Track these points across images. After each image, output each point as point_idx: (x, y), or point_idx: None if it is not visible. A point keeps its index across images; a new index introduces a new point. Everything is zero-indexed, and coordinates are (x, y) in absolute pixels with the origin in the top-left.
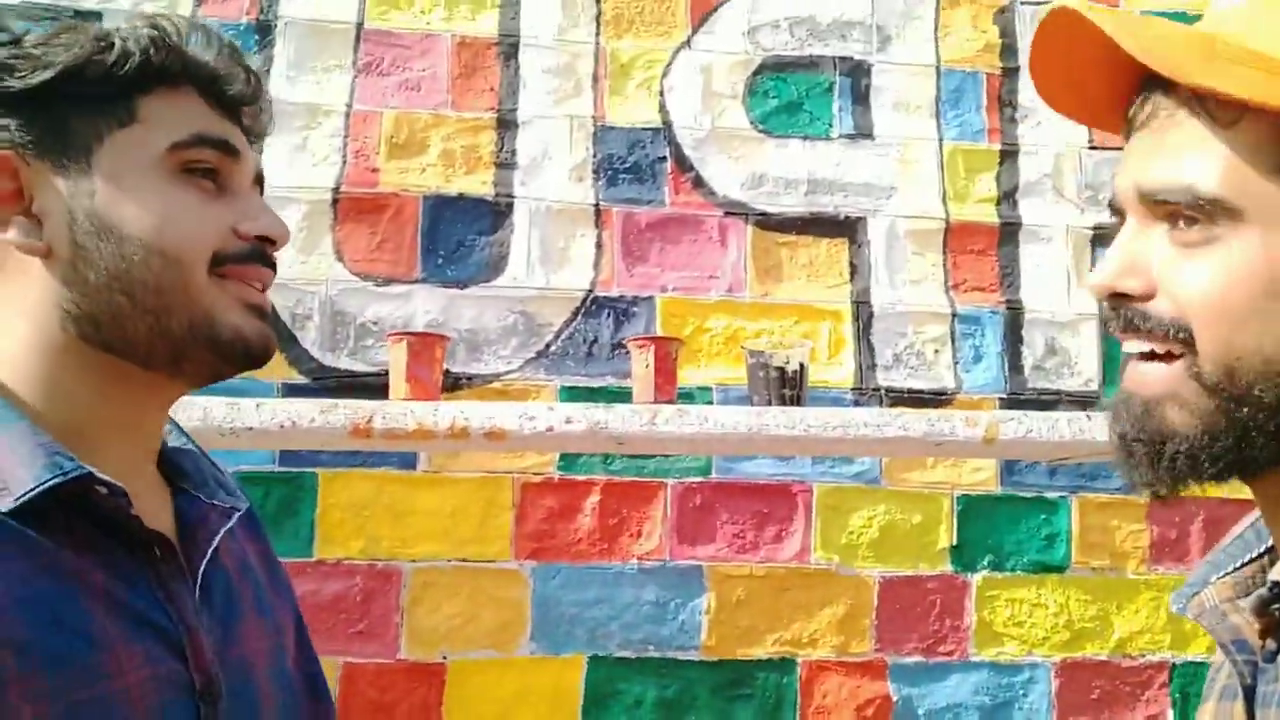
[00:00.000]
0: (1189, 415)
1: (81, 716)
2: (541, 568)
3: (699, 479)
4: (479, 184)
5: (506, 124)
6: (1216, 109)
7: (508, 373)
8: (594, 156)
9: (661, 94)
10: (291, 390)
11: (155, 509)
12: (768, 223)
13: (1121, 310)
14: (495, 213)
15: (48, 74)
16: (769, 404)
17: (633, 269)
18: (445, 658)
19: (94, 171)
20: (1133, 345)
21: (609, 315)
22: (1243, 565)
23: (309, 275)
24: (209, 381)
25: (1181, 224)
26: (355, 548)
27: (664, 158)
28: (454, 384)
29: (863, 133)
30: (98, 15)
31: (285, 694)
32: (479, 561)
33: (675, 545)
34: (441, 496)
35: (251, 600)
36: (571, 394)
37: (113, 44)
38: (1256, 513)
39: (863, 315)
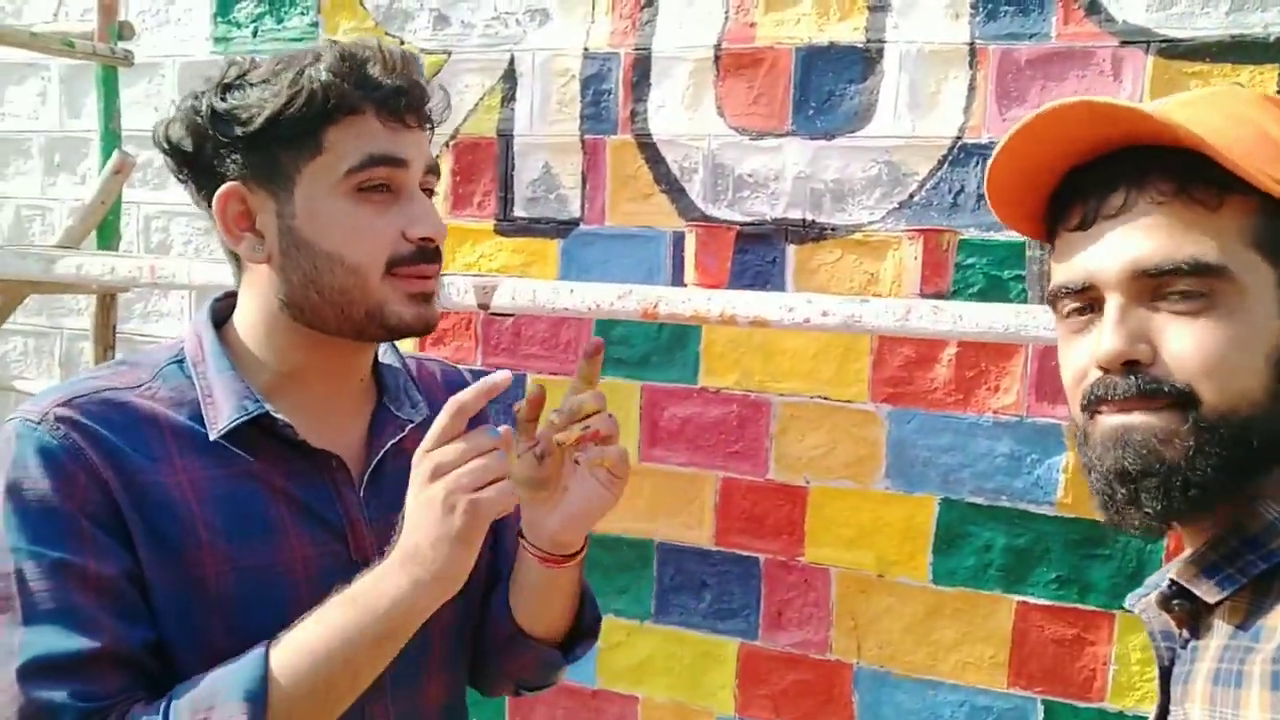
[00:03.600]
0: (1191, 453)
1: (251, 578)
2: (897, 412)
3: None
4: (850, 30)
5: None
6: (1206, 195)
7: (870, 223)
8: None
9: None
10: (679, 239)
11: (346, 427)
12: (1175, 50)
13: (1135, 376)
14: (865, 60)
15: (258, 122)
16: (1040, 301)
17: (1006, 112)
18: (808, 482)
19: (294, 197)
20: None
21: (977, 163)
22: None
23: (694, 131)
24: (387, 342)
25: (1174, 296)
26: (731, 379)
27: None
28: (819, 234)
29: None
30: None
31: None
32: (838, 401)
33: (1034, 403)
34: (805, 340)
35: None
36: None
37: (301, 89)
38: None
39: None
